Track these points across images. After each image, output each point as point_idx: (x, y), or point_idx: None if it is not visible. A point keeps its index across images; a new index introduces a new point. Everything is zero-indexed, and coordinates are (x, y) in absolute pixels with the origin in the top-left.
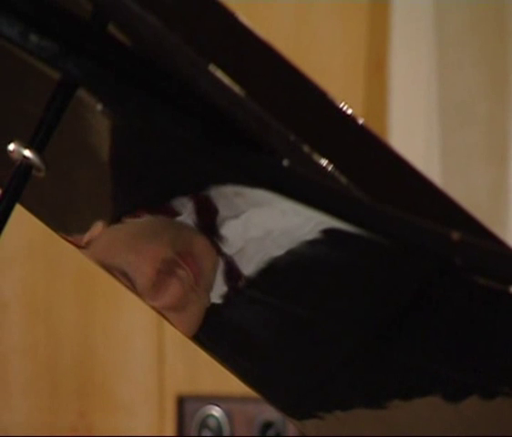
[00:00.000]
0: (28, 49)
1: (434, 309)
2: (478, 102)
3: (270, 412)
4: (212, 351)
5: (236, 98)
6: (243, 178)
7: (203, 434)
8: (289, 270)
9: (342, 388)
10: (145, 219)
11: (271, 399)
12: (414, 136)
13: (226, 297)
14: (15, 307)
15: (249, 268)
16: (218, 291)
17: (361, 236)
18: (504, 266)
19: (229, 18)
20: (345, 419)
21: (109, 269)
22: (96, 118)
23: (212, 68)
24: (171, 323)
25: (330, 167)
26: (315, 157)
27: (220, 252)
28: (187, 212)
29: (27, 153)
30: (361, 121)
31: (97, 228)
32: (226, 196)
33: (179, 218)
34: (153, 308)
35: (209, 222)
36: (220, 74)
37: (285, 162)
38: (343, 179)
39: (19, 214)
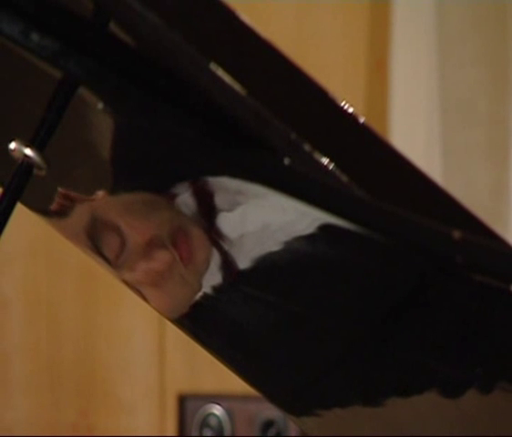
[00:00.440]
0: (29, 48)
1: (433, 307)
2: (479, 100)
3: (271, 411)
4: (208, 345)
5: (237, 97)
6: (243, 176)
7: (204, 433)
8: (286, 266)
9: (339, 384)
10: (140, 198)
11: (268, 394)
12: (415, 134)
13: (221, 289)
14: (17, 305)
15: (245, 262)
16: (211, 282)
17: (361, 234)
18: (504, 264)
19: (229, 17)
20: (344, 415)
21: (81, 235)
22: (97, 117)
23: (213, 67)
24: (145, 299)
25: (331, 166)
26: (316, 155)
27: (215, 243)
28: (184, 201)
29: (28, 152)
30: (362, 119)
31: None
32: (225, 191)
33: (175, 205)
34: (124, 281)
35: (205, 213)
36: (220, 72)
37: (286, 160)
38: (344, 178)
39: (20, 212)
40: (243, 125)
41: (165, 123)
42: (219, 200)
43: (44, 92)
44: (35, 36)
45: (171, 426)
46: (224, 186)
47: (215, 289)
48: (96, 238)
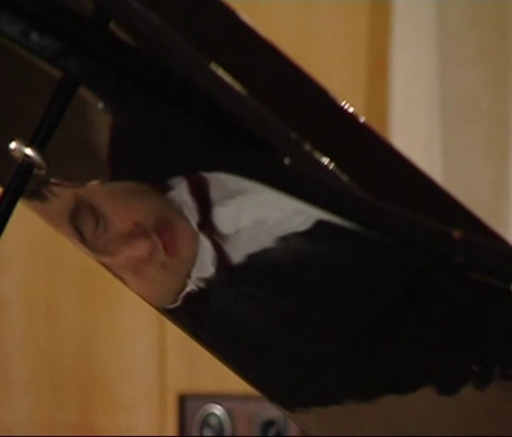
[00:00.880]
0: (29, 47)
1: (430, 304)
2: (480, 99)
3: (271, 411)
4: (203, 339)
5: (237, 96)
6: (242, 175)
7: (204, 433)
8: (282, 263)
9: (336, 381)
10: (131, 187)
11: (262, 388)
12: (415, 133)
13: (216, 283)
14: (17, 305)
15: (240, 257)
16: (205, 275)
17: (361, 233)
18: (505, 264)
19: (230, 16)
20: (340, 412)
21: (62, 218)
22: (97, 116)
23: (213, 66)
24: (126, 284)
25: (331, 166)
26: (316, 155)
27: (208, 237)
28: (177, 194)
29: (29, 151)
30: (362, 119)
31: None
32: (224, 189)
33: (166, 196)
34: (102, 263)
35: (200, 207)
36: (221, 72)
37: (286, 160)
38: (345, 178)
39: (21, 212)
40: (243, 124)
41: (165, 122)
42: (215, 197)
43: (44, 91)
44: (35, 36)
45: (171, 426)
46: (223, 184)
47: (209, 282)
48: (77, 220)
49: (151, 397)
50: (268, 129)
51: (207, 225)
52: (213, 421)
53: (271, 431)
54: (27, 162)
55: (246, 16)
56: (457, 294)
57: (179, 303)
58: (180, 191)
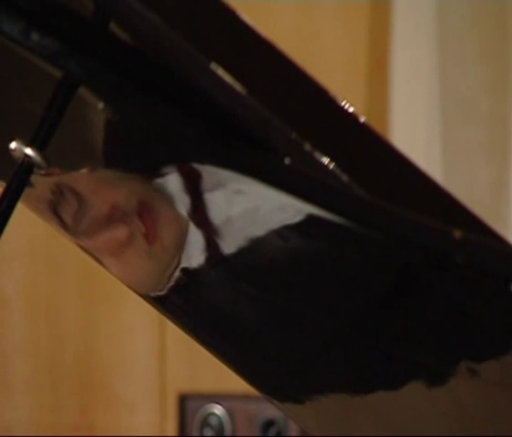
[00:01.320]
0: (30, 47)
1: (425, 301)
2: (480, 99)
3: (271, 411)
4: (189, 327)
5: (237, 96)
6: (241, 172)
7: (205, 433)
8: (276, 259)
9: (326, 373)
10: (119, 174)
11: (250, 378)
12: (415, 133)
13: (203, 273)
14: (17, 305)
15: (230, 250)
16: (192, 264)
17: (361, 233)
18: (505, 263)
19: (230, 16)
20: (335, 407)
21: (41, 202)
22: (97, 117)
23: (214, 66)
24: (105, 267)
25: (331, 166)
26: (316, 155)
27: (199, 228)
28: (171, 186)
29: (29, 151)
30: (362, 119)
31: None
32: (222, 186)
33: (153, 183)
34: (81, 246)
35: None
36: (221, 72)
37: (286, 160)
38: (345, 177)
39: (21, 212)
40: (243, 124)
41: (165, 122)
42: (212, 193)
43: (44, 91)
44: (35, 36)
45: (172, 426)
46: (223, 181)
47: (197, 272)
48: (56, 203)
49: (151, 397)
50: (268, 129)
51: (198, 217)
52: (213, 421)
53: (271, 432)
54: (27, 162)
55: (246, 16)
56: (456, 292)
57: (165, 292)
58: (174, 185)
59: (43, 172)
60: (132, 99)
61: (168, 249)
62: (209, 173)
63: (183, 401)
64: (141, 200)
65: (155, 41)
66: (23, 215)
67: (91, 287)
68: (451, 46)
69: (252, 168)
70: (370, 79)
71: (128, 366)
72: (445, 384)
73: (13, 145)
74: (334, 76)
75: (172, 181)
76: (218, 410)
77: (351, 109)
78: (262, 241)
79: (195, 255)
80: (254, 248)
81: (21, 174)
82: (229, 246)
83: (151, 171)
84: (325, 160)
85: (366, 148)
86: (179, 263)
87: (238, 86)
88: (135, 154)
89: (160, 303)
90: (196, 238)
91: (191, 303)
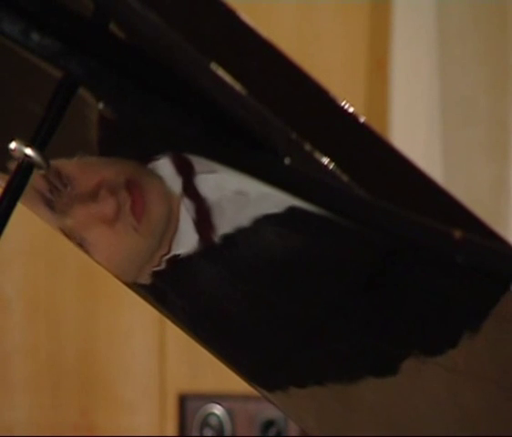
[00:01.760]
0: (30, 48)
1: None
2: (480, 99)
3: (271, 411)
4: (176, 314)
5: (237, 96)
6: (241, 173)
7: (205, 433)
8: (269, 253)
9: (309, 362)
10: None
11: (235, 366)
12: (415, 133)
13: (191, 260)
14: (17, 305)
15: (224, 245)
16: (179, 250)
17: (361, 233)
18: (505, 263)
19: (230, 16)
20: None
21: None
22: (97, 117)
23: (214, 66)
24: (88, 253)
25: (331, 166)
26: (316, 155)
27: (190, 218)
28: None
29: (29, 151)
30: (362, 119)
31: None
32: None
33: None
34: (63, 230)
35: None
36: (221, 72)
37: (286, 160)
38: (345, 178)
39: (21, 212)
40: (243, 124)
41: (165, 122)
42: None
43: (44, 92)
44: (35, 36)
45: (172, 426)
46: (222, 181)
47: (189, 263)
48: (43, 186)
49: (151, 397)
50: (268, 129)
51: (196, 214)
52: (213, 421)
53: (271, 432)
54: (27, 162)
55: (246, 16)
56: (454, 291)
57: (154, 281)
58: (172, 183)
59: (43, 172)
60: (132, 100)
61: (156, 232)
62: (209, 172)
63: (183, 401)
64: (130, 179)
65: (155, 41)
66: (23, 215)
67: (91, 287)
68: (451, 46)
69: (252, 168)
70: (370, 79)
71: (127, 366)
72: (439, 380)
73: (13, 145)
74: (334, 77)
75: (171, 179)
76: (218, 410)
77: (351, 109)
78: (261, 240)
79: (188, 247)
80: (252, 245)
81: (21, 174)
82: (225, 242)
83: (151, 171)
84: (325, 160)
85: (366, 148)
86: (168, 251)
87: (238, 86)
88: (135, 154)
89: (160, 303)
90: (192, 234)
91: (187, 298)
